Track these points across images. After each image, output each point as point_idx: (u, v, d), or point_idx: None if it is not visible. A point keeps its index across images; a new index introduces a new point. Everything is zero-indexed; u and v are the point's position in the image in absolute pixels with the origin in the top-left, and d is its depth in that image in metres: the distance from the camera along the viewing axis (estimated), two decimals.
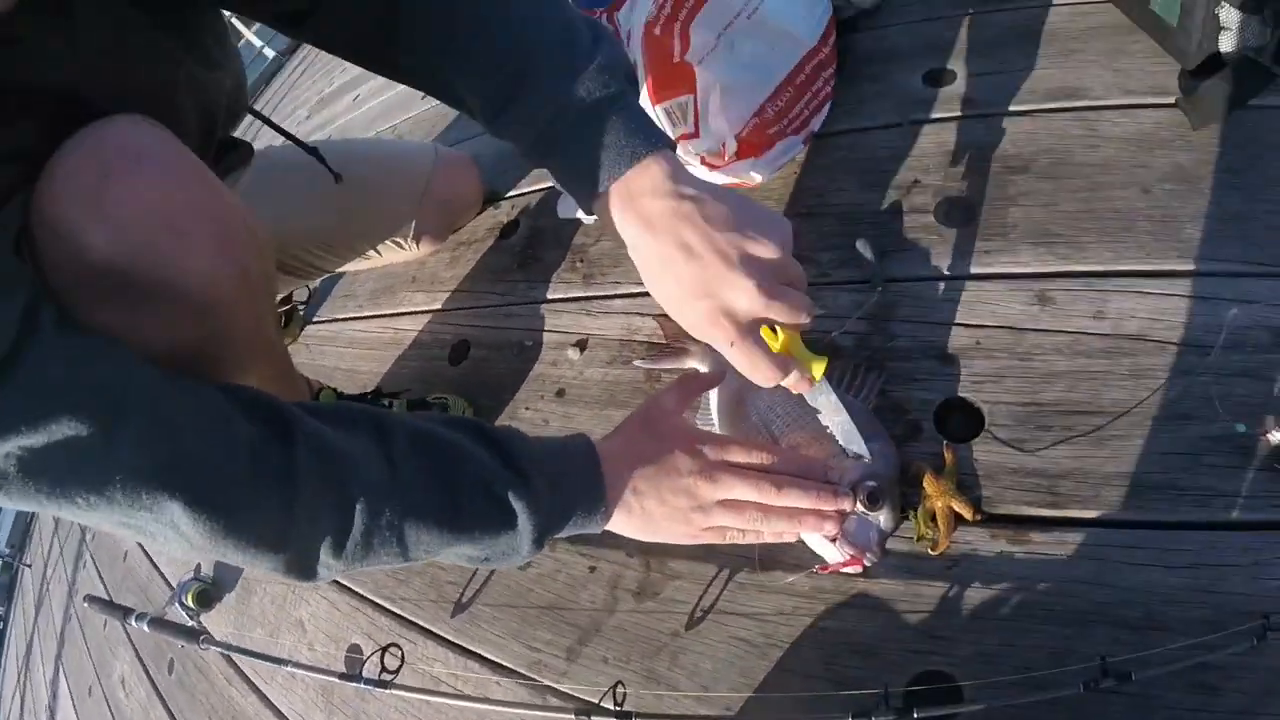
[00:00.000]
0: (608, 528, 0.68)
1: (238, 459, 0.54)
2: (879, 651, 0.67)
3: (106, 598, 1.69)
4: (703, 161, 0.96)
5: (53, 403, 0.48)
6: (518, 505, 0.62)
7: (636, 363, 0.97)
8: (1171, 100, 0.90)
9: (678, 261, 0.60)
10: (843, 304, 0.88)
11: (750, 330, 0.61)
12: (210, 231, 0.66)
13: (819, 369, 0.67)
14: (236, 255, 0.69)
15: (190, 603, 1.34)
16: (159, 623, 1.21)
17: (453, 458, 0.62)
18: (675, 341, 0.93)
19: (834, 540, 0.68)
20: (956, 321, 0.81)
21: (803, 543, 0.73)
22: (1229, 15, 0.83)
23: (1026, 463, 0.71)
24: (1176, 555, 0.63)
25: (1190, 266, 0.77)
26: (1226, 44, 0.85)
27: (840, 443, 0.72)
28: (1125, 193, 0.84)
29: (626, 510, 0.67)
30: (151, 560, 1.69)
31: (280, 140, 1.12)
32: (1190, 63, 0.88)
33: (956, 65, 1.05)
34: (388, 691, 0.79)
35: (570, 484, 0.66)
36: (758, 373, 0.62)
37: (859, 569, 0.70)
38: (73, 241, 0.58)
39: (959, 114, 0.99)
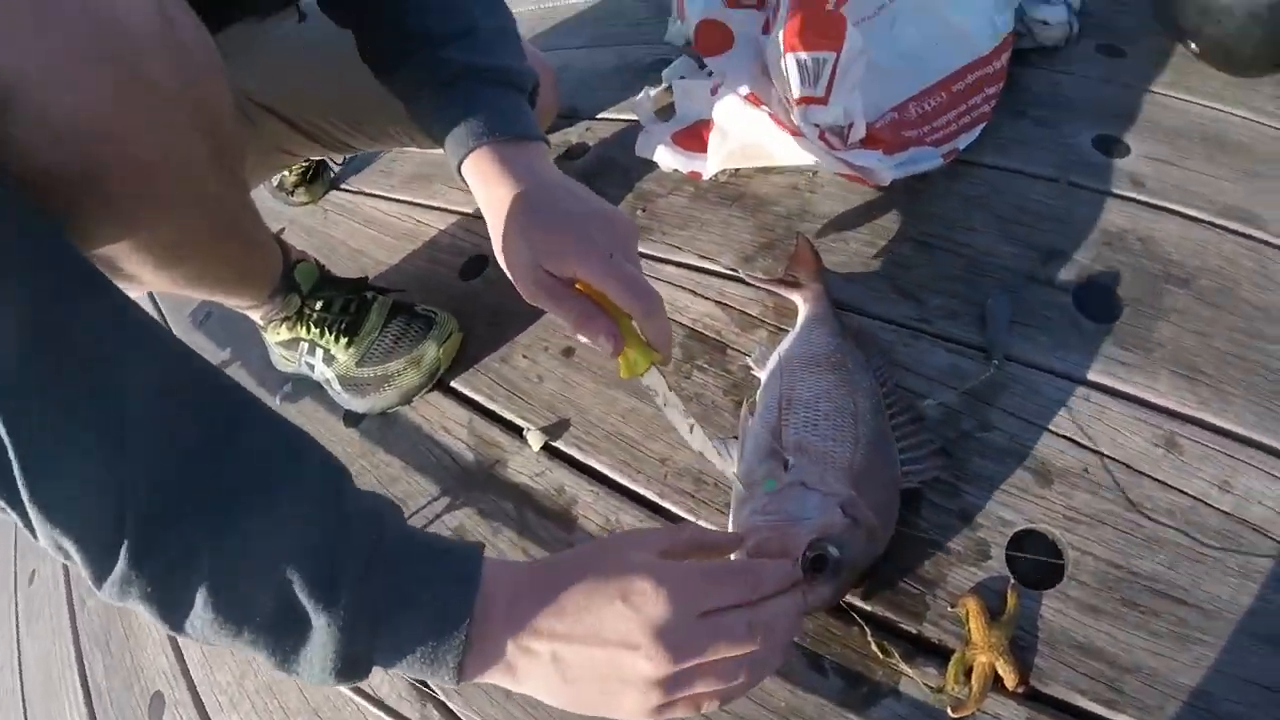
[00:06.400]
0: (510, 685, 0.49)
1: None
2: None
3: None
4: (821, 136, 0.78)
5: None
6: (329, 571, 0.43)
7: (744, 273, 0.85)
8: None
9: (529, 225, 0.60)
10: (937, 364, 0.73)
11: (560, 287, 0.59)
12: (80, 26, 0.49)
13: (639, 364, 0.58)
14: (126, 64, 0.52)
15: None
16: None
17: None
18: (794, 270, 0.81)
19: None
20: (1068, 435, 0.67)
21: None
22: None
23: (1096, 639, 0.57)
24: None
25: None
26: None
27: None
28: None
29: (544, 682, 0.48)
30: None
31: None
32: None
33: (1131, 140, 0.91)
34: None
35: (424, 588, 0.47)
36: (563, 318, 0.60)
37: None
38: None
39: (1127, 194, 0.85)
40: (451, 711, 0.66)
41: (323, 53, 0.92)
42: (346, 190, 1.31)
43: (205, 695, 0.81)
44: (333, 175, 1.33)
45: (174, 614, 0.41)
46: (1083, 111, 0.96)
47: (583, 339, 0.59)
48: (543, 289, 0.59)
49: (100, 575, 0.40)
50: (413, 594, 0.46)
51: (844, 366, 0.67)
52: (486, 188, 0.64)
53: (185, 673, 0.84)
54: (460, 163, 0.66)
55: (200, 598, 0.41)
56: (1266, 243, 0.80)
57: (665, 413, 0.60)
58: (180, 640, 0.85)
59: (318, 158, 1.23)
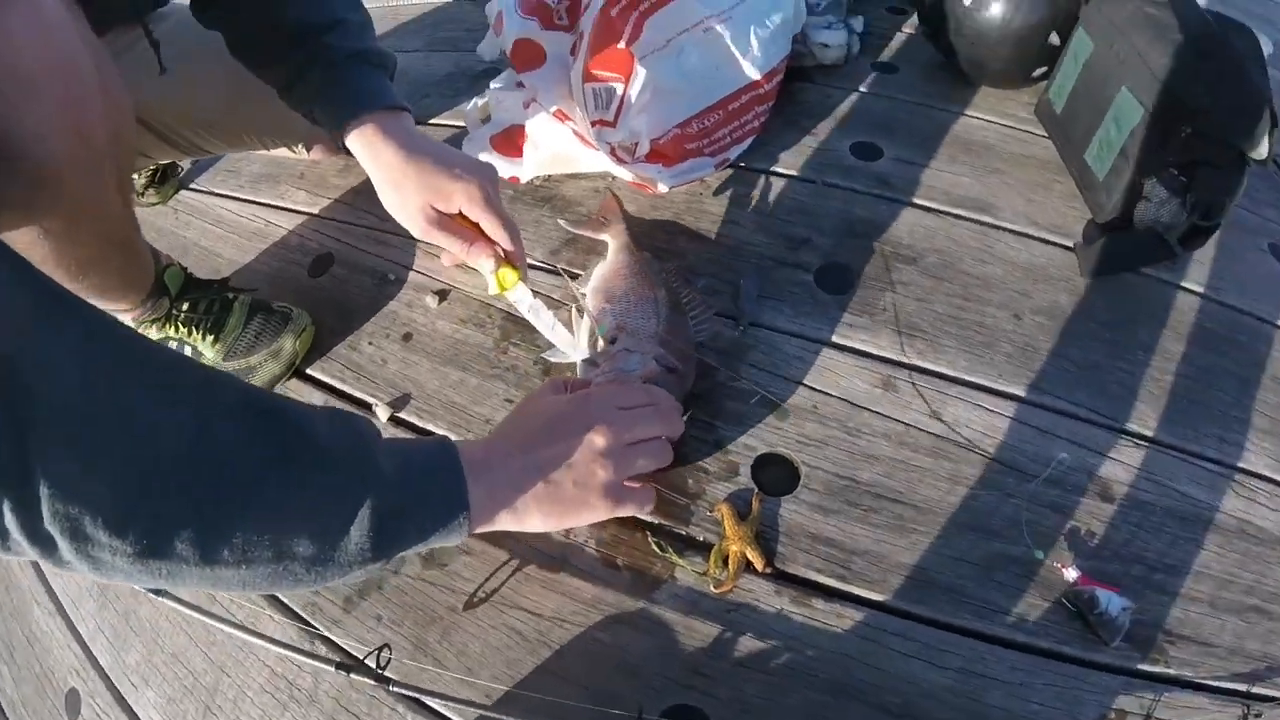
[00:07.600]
0: (511, 519, 0.65)
1: None
2: (642, 674, 0.66)
3: None
4: (612, 151, 0.94)
5: None
6: (362, 475, 0.55)
7: (560, 220, 1.02)
8: (1070, 244, 0.93)
9: (418, 174, 0.76)
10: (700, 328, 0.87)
11: (448, 221, 0.77)
12: (54, 89, 0.61)
13: (508, 280, 0.79)
14: (77, 118, 0.64)
15: None
16: None
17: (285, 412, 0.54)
18: (604, 215, 0.99)
19: None
20: (801, 381, 0.82)
21: None
22: (1154, 189, 0.85)
23: (826, 531, 0.72)
24: (946, 656, 0.65)
25: (1035, 398, 0.80)
26: (1141, 213, 0.87)
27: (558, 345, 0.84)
28: (998, 313, 0.87)
29: (534, 495, 0.64)
30: None
31: None
32: (1101, 218, 0.91)
33: (887, 145, 1.07)
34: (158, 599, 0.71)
35: (426, 478, 0.60)
36: (453, 246, 0.77)
37: None
38: None
39: (873, 191, 1.01)
40: (334, 642, 0.73)
41: (180, 60, 0.97)
42: (196, 190, 1.31)
43: (118, 679, 0.83)
44: (180, 176, 1.32)
45: (215, 538, 0.47)
46: (849, 121, 1.11)
47: (454, 262, 0.79)
48: (434, 225, 0.75)
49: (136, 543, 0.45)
50: (414, 460, 0.59)
51: (644, 273, 0.87)
52: (373, 150, 0.77)
53: (94, 662, 0.85)
54: (345, 134, 0.78)
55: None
56: (993, 225, 0.96)
57: (530, 318, 0.81)
58: (84, 630, 0.88)
59: (167, 161, 1.26)
